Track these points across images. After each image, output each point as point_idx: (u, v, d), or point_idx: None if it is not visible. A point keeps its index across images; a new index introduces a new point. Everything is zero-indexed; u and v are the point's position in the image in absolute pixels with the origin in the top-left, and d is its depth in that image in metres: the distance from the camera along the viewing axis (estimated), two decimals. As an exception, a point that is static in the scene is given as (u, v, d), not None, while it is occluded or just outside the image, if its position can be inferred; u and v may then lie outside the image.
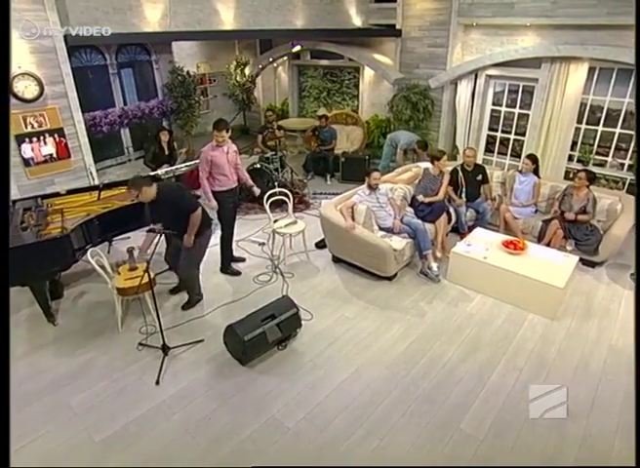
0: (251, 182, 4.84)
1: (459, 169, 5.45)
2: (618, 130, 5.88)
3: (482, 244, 4.69)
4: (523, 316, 4.26)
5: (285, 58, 8.89)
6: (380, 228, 4.89)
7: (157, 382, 3.47)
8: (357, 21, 7.38)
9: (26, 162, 5.10)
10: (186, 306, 4.32)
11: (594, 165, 6.13)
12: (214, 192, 4.53)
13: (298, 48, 7.33)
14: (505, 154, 6.98)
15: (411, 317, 4.26)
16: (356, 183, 6.74)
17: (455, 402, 3.32)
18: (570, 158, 6.29)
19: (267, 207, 5.15)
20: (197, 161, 6.34)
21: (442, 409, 3.25)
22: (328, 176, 7.42)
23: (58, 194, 4.80)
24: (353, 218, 4.72)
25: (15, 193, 5.04)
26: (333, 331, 4.07)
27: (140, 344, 3.88)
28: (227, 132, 4.41)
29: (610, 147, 6.04)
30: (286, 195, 5.30)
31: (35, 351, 3.84)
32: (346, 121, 8.18)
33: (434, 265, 4.68)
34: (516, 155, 6.92)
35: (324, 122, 7.37)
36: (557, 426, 3.09)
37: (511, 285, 4.34)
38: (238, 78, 8.73)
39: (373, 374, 3.57)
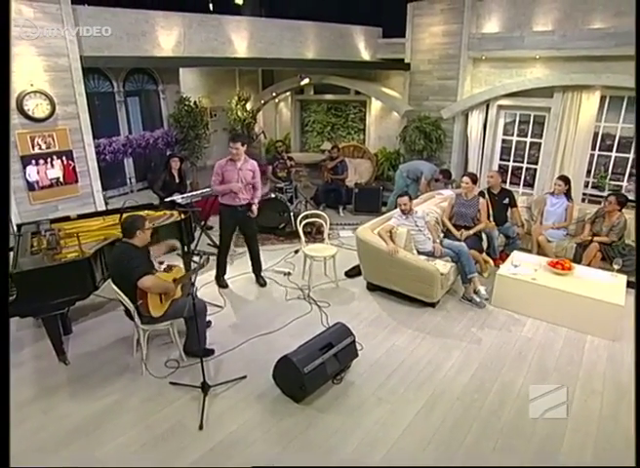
0: (255, 202, 4.65)
1: (485, 191, 5.36)
2: (631, 155, 6.01)
3: (527, 265, 4.50)
4: (582, 338, 4.02)
5: (288, 93, 8.91)
6: (419, 252, 4.63)
7: (200, 427, 2.95)
8: (366, 56, 7.51)
9: (30, 185, 4.66)
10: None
11: (609, 190, 6.19)
12: (219, 202, 4.59)
13: (306, 80, 7.33)
14: (518, 184, 7.01)
15: (467, 344, 3.93)
16: (370, 215, 6.57)
17: (544, 432, 2.97)
18: (585, 184, 6.36)
19: (301, 230, 4.84)
20: (206, 190, 6.06)
21: (533, 441, 2.90)
22: (340, 208, 7.21)
23: (68, 218, 4.35)
24: (393, 242, 4.46)
25: (15, 219, 4.54)
26: (388, 361, 3.68)
27: (172, 383, 3.37)
28: (243, 146, 4.39)
29: (624, 173, 6.15)
30: (321, 217, 5.10)
31: (47, 395, 3.26)
32: (353, 154, 8.12)
33: (482, 288, 4.42)
34: (528, 184, 6.97)
35: (335, 152, 7.24)
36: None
37: (565, 306, 4.12)
38: (239, 113, 8.62)
39: (446, 406, 3.19)
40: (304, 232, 5.11)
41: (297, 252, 5.70)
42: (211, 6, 5.65)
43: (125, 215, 3.69)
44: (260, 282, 4.92)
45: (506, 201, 5.40)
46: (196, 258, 4.02)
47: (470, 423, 3.04)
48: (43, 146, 4.67)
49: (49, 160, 4.72)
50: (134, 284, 3.08)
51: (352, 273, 5.12)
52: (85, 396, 3.25)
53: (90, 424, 2.99)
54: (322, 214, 5.15)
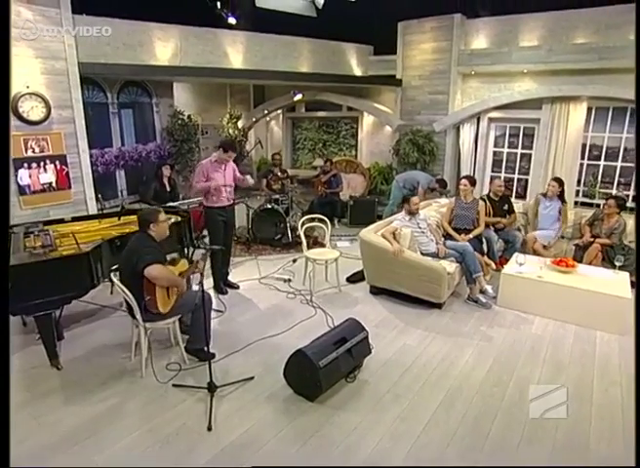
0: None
1: (485, 198, 5.40)
2: (619, 164, 6.19)
3: (531, 264, 4.49)
4: (591, 334, 3.97)
5: (279, 111, 9.01)
6: (423, 254, 4.57)
7: (209, 428, 2.75)
8: (358, 72, 7.68)
9: (22, 190, 4.49)
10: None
11: (600, 198, 6.33)
12: (205, 206, 4.55)
13: (299, 96, 7.42)
14: (510, 196, 7.08)
15: (479, 341, 3.85)
16: (365, 227, 6.52)
17: (569, 423, 2.85)
18: (576, 193, 6.49)
19: (302, 234, 4.75)
20: (197, 199, 5.95)
21: (560, 432, 2.78)
22: (335, 221, 7.18)
23: (62, 221, 4.18)
24: (397, 243, 4.40)
25: (4, 224, 4.34)
26: (400, 359, 3.56)
27: (175, 385, 3.17)
28: (235, 153, 4.51)
29: (612, 182, 6.32)
30: (323, 221, 5.01)
31: (38, 400, 3.02)
32: (346, 169, 8.16)
33: (488, 287, 4.37)
34: (520, 196, 7.09)
35: (328, 166, 7.28)
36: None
37: (573, 302, 4.10)
38: (230, 131, 8.65)
39: (466, 400, 3.07)
40: (298, 243, 5.06)
41: (295, 260, 5.60)
42: (219, 4, 5.69)
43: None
44: (223, 290, 4.72)
45: (506, 207, 5.47)
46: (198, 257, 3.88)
47: (493, 415, 2.92)
48: (36, 150, 4.53)
49: (42, 164, 4.58)
50: (140, 273, 2.93)
51: (354, 279, 5.02)
52: (80, 401, 3.02)
53: (86, 429, 2.75)
54: (323, 218, 5.10)
